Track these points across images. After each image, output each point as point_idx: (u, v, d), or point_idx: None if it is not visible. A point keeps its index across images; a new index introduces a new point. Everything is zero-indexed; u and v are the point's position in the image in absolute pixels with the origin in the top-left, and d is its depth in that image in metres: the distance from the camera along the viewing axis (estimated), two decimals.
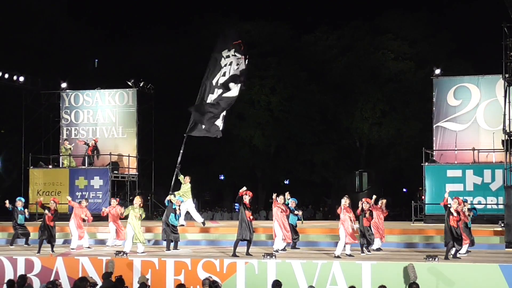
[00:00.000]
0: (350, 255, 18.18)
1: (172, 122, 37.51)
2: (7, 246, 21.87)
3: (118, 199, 22.46)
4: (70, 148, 29.53)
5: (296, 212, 20.48)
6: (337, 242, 18.70)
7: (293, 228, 20.28)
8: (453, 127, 26.75)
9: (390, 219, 20.34)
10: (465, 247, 18.53)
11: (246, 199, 18.74)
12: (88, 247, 20.88)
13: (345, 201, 18.72)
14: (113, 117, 30.36)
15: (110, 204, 22.13)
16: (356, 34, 42.25)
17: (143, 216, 19.85)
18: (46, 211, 20.12)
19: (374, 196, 20.04)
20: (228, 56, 23.41)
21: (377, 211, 19.75)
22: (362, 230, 18.93)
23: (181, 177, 22.94)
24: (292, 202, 20.41)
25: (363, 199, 19.56)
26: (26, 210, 22.44)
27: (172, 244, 19.83)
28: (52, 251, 19.70)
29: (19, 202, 22.29)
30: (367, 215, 19.03)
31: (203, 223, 23.30)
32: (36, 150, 30.39)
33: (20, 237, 22.14)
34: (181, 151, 23.51)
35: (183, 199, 21.55)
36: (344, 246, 18.43)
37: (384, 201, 20.42)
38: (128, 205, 21.25)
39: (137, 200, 19.98)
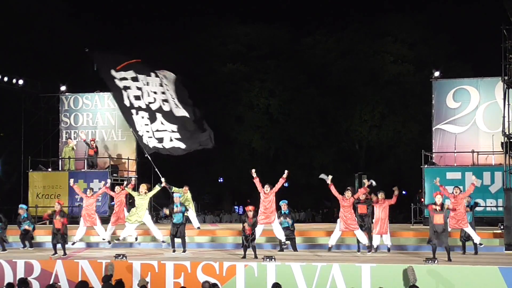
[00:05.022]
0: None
1: None
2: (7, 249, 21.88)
3: (122, 186, 22.27)
4: (73, 148, 29.45)
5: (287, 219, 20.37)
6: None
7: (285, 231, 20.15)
8: (452, 129, 26.75)
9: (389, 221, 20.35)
10: None
11: (250, 214, 18.98)
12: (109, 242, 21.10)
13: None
14: (112, 120, 30.33)
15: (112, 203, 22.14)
16: (355, 37, 42.31)
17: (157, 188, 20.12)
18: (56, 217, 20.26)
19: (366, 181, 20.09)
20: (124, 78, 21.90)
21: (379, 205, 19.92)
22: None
23: (176, 189, 22.59)
24: (283, 205, 20.27)
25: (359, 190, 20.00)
26: (22, 209, 22.15)
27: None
28: (64, 253, 19.75)
29: (21, 210, 22.16)
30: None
31: (198, 228, 23.49)
32: (35, 153, 30.37)
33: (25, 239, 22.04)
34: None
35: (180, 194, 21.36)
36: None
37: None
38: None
39: (142, 187, 20.06)
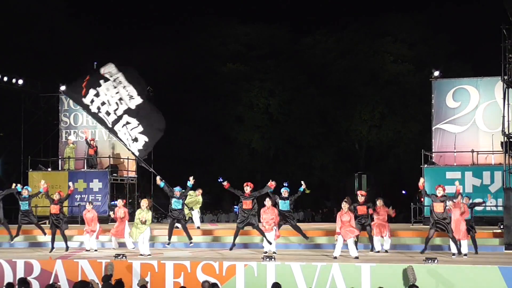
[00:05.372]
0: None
1: (171, 125, 37.37)
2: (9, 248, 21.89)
3: (124, 200, 22.05)
4: (74, 147, 29.47)
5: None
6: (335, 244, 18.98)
7: (283, 214, 19.93)
8: (452, 129, 26.75)
9: (388, 221, 20.37)
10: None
11: (248, 190, 19.09)
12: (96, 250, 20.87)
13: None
14: None
15: (114, 207, 22.04)
16: (355, 37, 42.33)
17: (148, 221, 19.74)
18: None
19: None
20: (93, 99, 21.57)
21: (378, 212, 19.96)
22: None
23: (191, 193, 22.61)
24: (284, 192, 20.06)
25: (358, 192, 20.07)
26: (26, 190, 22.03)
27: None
28: (65, 240, 19.66)
29: (25, 191, 22.16)
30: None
31: (198, 227, 23.55)
32: (35, 153, 30.37)
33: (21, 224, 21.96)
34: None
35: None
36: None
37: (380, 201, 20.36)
38: (135, 209, 21.12)
39: (144, 202, 19.98)
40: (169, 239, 20.54)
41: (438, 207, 18.24)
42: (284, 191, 20.10)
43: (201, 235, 22.97)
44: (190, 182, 20.48)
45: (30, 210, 22.02)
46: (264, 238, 19.50)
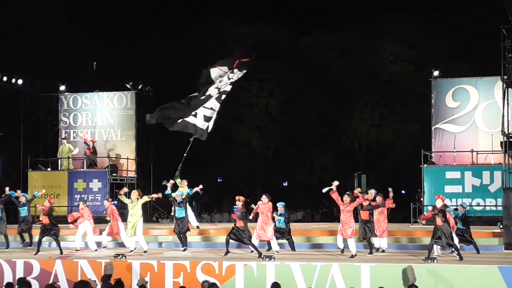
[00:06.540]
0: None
1: None
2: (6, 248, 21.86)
3: (110, 199, 22.12)
4: (70, 149, 29.42)
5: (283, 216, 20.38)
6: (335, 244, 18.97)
7: (279, 231, 20.11)
8: (451, 129, 26.78)
9: (388, 221, 20.32)
10: None
11: (239, 205, 19.21)
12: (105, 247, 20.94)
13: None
14: (111, 119, 30.34)
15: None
16: (354, 37, 42.29)
17: (146, 199, 20.13)
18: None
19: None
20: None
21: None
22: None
23: (178, 181, 22.64)
24: (280, 207, 20.18)
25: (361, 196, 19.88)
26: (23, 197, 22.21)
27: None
28: (58, 245, 19.73)
29: (23, 198, 22.19)
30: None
31: (198, 227, 23.43)
32: (35, 153, 30.38)
33: (23, 232, 22.00)
34: (185, 154, 22.93)
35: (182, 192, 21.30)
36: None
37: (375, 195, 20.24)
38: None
39: (134, 194, 19.99)
40: (185, 245, 20.45)
41: (438, 221, 17.92)
42: (280, 207, 20.23)
43: (200, 235, 22.98)
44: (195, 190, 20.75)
45: (29, 217, 22.03)
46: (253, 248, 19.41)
